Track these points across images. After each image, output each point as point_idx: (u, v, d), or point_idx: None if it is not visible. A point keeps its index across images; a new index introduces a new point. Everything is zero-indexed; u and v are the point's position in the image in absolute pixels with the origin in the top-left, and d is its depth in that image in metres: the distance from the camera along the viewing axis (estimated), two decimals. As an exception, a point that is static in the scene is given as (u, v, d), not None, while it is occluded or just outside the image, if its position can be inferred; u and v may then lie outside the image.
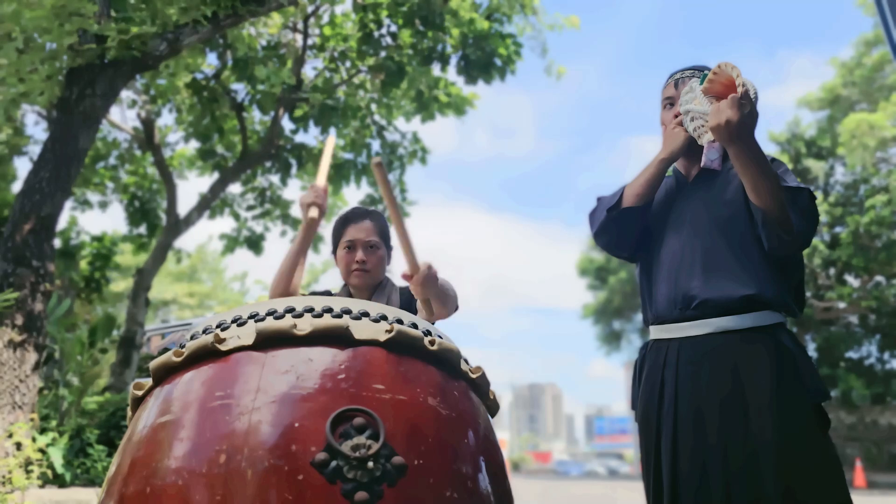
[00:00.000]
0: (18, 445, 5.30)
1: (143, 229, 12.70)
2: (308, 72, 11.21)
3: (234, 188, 13.00)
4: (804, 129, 20.91)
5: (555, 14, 10.14)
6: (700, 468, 1.67)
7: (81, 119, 6.41)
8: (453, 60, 9.99)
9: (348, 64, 11.03)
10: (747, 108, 1.62)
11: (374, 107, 11.43)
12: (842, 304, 20.61)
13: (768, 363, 1.67)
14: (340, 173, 11.95)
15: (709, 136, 1.76)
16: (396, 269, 2.23)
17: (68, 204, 12.18)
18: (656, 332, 1.89)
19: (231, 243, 13.08)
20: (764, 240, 1.72)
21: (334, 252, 2.21)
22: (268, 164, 12.26)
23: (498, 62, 9.78)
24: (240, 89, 11.15)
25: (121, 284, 19.56)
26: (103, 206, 12.86)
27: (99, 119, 6.76)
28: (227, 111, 11.32)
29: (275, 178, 13.18)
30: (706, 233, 1.83)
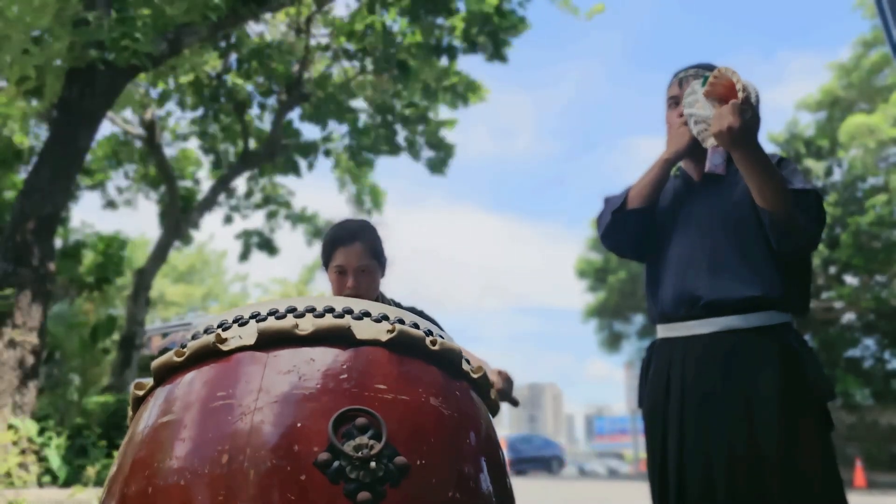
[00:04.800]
0: (18, 445, 5.30)
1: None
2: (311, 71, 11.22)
3: (240, 190, 13.10)
4: (802, 129, 20.92)
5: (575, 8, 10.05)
6: (705, 465, 1.67)
7: (81, 119, 6.41)
8: (459, 53, 10.00)
9: (355, 63, 11.06)
10: (748, 114, 1.62)
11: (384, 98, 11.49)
12: (841, 304, 20.61)
13: (774, 362, 1.68)
14: (359, 159, 12.06)
15: (712, 141, 1.77)
16: (391, 273, 2.21)
17: (96, 203, 12.36)
18: (663, 330, 1.89)
19: (246, 249, 13.31)
20: (772, 241, 1.72)
21: (325, 268, 2.10)
22: (271, 165, 12.31)
23: (509, 26, 9.73)
24: (243, 88, 11.16)
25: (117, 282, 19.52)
26: (129, 203, 13.02)
27: (99, 119, 6.76)
28: (229, 110, 11.34)
29: (278, 179, 13.31)
30: (713, 233, 1.83)
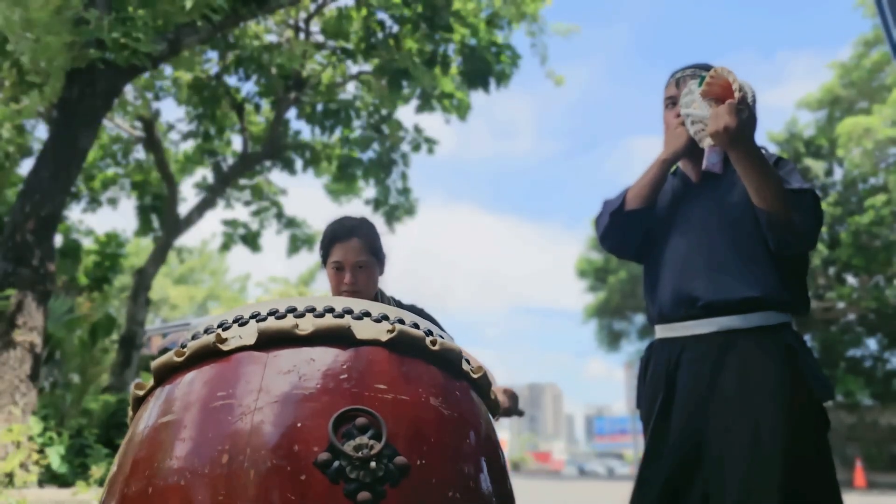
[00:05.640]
0: (18, 445, 5.30)
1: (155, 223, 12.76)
2: (309, 72, 11.23)
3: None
4: (802, 129, 20.94)
5: (556, 24, 10.30)
6: (703, 466, 1.67)
7: (81, 119, 6.41)
8: (454, 65, 10.06)
9: (350, 62, 11.06)
10: (745, 114, 1.63)
11: (377, 101, 11.47)
12: (842, 304, 20.62)
13: (773, 362, 1.68)
14: (347, 172, 12.03)
15: (709, 141, 1.77)
16: (391, 273, 2.20)
17: (79, 205, 12.27)
18: (661, 331, 1.89)
19: (228, 239, 13.12)
20: (770, 241, 1.72)
21: (324, 263, 2.11)
22: (268, 163, 12.29)
23: (495, 72, 9.89)
24: (241, 88, 11.16)
25: (117, 283, 19.50)
26: (112, 202, 12.92)
27: (99, 119, 6.76)
28: (228, 110, 11.34)
29: (272, 177, 13.24)
30: (712, 234, 1.83)
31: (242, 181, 13.01)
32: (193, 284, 29.10)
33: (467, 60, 9.73)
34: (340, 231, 2.06)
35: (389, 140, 11.65)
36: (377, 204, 12.17)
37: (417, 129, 11.84)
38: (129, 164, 12.63)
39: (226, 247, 13.20)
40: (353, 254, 2.01)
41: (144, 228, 12.75)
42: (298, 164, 12.17)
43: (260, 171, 12.74)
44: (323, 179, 12.92)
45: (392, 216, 12.15)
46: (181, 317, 26.85)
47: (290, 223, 13.38)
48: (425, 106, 10.68)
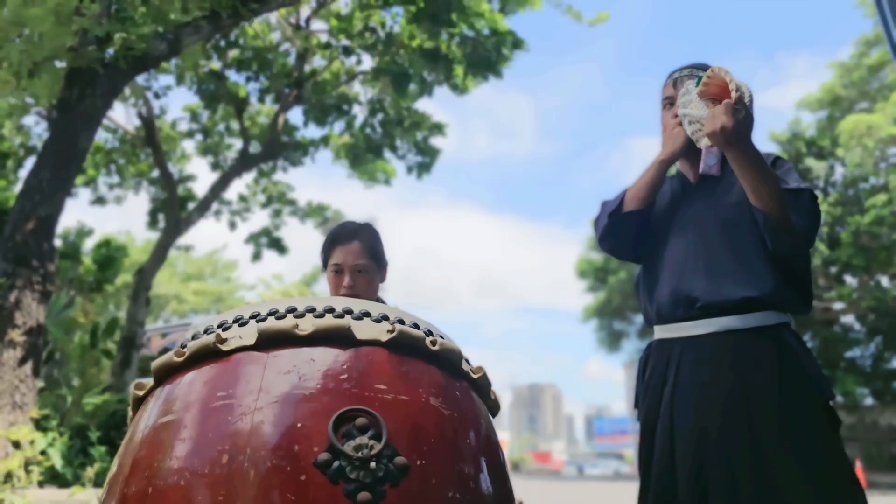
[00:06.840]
0: (18, 445, 5.30)
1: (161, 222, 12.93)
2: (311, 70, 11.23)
3: (239, 190, 13.15)
4: (804, 129, 20.94)
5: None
6: (701, 467, 1.67)
7: (81, 119, 6.40)
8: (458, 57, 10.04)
9: (354, 60, 11.07)
10: (741, 114, 1.63)
11: (382, 98, 11.51)
12: (841, 304, 20.61)
13: (772, 362, 1.67)
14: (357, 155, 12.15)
15: (706, 141, 1.77)
16: (391, 273, 2.19)
17: (85, 200, 12.42)
18: (660, 331, 1.89)
19: (258, 249, 13.50)
20: (768, 241, 1.72)
21: (324, 268, 2.09)
22: (269, 163, 12.33)
23: (499, 60, 9.86)
24: (243, 87, 11.17)
25: (117, 282, 19.51)
26: (119, 200, 13.05)
27: (99, 119, 6.76)
28: (229, 110, 11.35)
29: (277, 176, 13.40)
30: (710, 235, 1.83)
31: (250, 188, 13.19)
32: (200, 283, 29.00)
33: (470, 52, 9.72)
34: (342, 234, 2.04)
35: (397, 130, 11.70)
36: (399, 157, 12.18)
37: (422, 117, 11.86)
38: (134, 165, 12.70)
39: (256, 257, 13.69)
40: (354, 256, 2.00)
41: (153, 222, 13.04)
42: (302, 161, 12.29)
43: (263, 174, 12.86)
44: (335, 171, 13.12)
45: (420, 168, 12.13)
46: (190, 311, 26.84)
47: (311, 212, 13.67)
48: (424, 91, 10.70)
